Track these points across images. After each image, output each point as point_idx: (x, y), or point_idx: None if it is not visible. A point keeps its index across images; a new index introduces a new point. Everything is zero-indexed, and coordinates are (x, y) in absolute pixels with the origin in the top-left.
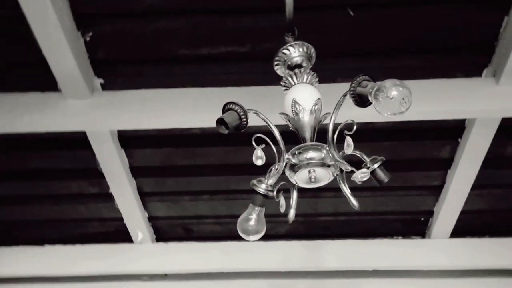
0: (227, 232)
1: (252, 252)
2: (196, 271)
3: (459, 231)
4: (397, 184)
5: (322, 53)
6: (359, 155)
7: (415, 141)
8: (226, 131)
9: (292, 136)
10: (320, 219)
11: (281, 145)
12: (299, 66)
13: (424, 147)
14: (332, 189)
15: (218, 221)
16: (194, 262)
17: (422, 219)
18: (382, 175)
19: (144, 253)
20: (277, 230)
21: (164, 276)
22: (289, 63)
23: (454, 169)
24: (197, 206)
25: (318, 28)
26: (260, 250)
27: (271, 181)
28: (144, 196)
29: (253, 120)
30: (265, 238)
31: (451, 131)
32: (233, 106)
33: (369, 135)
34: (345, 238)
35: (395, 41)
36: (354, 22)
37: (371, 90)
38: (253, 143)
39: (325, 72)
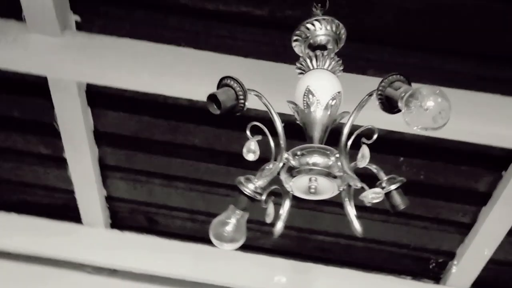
0: (200, 232)
1: (226, 263)
2: (153, 272)
3: (482, 283)
4: (418, 212)
5: (355, 36)
6: (374, 171)
7: (449, 163)
8: (218, 112)
9: (297, 132)
10: (317, 238)
11: (282, 140)
12: (322, 47)
13: (459, 174)
14: (338, 204)
15: (192, 217)
16: (153, 261)
17: (441, 260)
18: (398, 200)
19: (93, 239)
20: (262, 242)
21: (113, 272)
22: (311, 41)
23: (490, 206)
24: (169, 194)
25: (357, 4)
26: (236, 262)
27: (261, 182)
28: (106, 169)
29: (253, 103)
30: (245, 248)
31: (495, 161)
32: (231, 82)
33: (393, 147)
34: (342, 266)
35: (453, 37)
36: (407, 5)
37: (403, 94)
38: (247, 133)
39: (355, 59)
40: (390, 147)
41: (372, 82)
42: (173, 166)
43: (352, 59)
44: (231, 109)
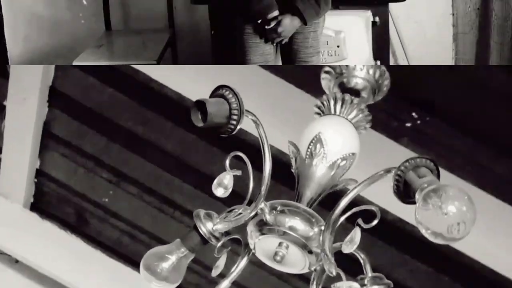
0: (135, 253)
1: None
2: (59, 279)
3: None
4: None
5: (400, 91)
6: (361, 261)
7: (457, 282)
8: (201, 124)
9: (286, 179)
10: None
11: (264, 186)
12: (355, 92)
13: None
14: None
15: (131, 232)
16: (66, 267)
17: None
18: None
19: (3, 214)
20: None
21: (14, 262)
22: (344, 80)
23: None
24: (114, 195)
25: None
26: None
27: (221, 226)
28: (48, 137)
29: (248, 126)
30: None
31: None
32: (229, 95)
33: (398, 239)
34: None
35: None
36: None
37: (425, 185)
38: (226, 164)
39: (390, 119)
40: (394, 237)
41: (399, 154)
42: (130, 164)
43: (387, 117)
44: (217, 127)
